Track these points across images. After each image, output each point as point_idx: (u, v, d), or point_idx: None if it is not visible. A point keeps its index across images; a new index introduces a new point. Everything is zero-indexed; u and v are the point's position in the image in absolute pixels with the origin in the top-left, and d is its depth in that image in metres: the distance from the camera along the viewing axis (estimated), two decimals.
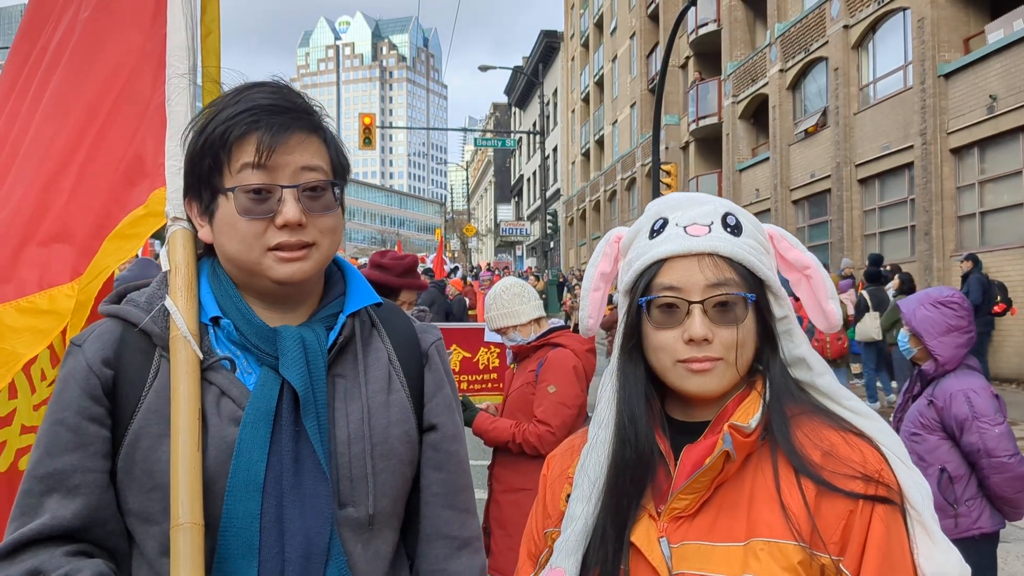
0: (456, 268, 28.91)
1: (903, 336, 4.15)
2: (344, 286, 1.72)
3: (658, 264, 1.52)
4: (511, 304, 4.43)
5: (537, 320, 4.45)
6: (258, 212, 1.52)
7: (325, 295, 1.69)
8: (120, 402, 1.53)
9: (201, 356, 1.55)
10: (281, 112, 1.54)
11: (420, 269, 18.29)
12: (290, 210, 1.51)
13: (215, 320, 1.59)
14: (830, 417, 1.53)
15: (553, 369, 4.23)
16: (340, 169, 1.64)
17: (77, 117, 2.04)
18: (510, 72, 62.77)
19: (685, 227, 1.54)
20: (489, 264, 58.56)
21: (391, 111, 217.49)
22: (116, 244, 1.94)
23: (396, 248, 22.43)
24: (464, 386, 11.63)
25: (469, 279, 30.64)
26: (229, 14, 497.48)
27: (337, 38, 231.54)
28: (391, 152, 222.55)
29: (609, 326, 14.83)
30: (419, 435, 1.71)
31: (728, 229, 1.54)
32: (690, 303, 1.48)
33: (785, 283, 1.65)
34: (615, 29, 44.28)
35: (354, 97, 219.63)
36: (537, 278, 26.18)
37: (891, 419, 4.34)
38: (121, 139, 1.97)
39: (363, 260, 17.60)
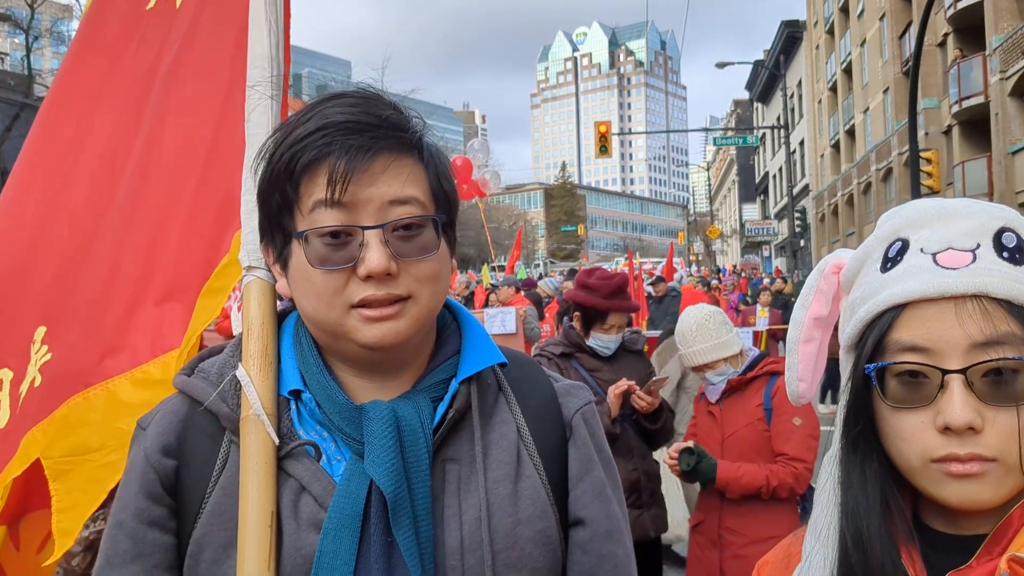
0: (682, 276, 27.91)
1: None
2: (460, 343, 1.33)
3: (894, 311, 1.02)
4: (720, 334, 3.93)
5: (741, 350, 3.99)
6: (335, 261, 1.17)
7: (434, 356, 1.31)
8: (183, 501, 1.24)
9: (277, 440, 1.22)
10: (361, 130, 1.18)
11: (649, 281, 17.69)
12: (375, 257, 1.16)
13: (296, 394, 1.27)
14: None
15: None
16: (443, 198, 1.26)
17: (176, 150, 1.79)
18: (750, 67, 60.67)
19: (935, 254, 1.02)
20: (735, 266, 56.73)
21: (630, 117, 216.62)
22: (205, 302, 1.66)
23: (627, 257, 21.94)
24: None
25: (713, 281, 29.62)
26: (470, 37, 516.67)
27: (575, 50, 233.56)
28: (631, 158, 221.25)
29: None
30: (562, 533, 1.30)
31: (1005, 254, 1.01)
32: (945, 373, 0.97)
33: None
34: (862, 11, 41.60)
35: (593, 107, 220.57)
36: (784, 280, 24.75)
37: None
38: (222, 175, 1.69)
39: (550, 281, 17.14)
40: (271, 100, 1.54)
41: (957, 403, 0.96)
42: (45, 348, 1.83)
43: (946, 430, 0.97)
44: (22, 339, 1.88)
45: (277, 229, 1.25)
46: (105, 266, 1.83)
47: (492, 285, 16.43)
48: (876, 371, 1.03)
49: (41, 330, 1.86)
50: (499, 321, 9.64)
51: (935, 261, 1.02)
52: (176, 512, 1.24)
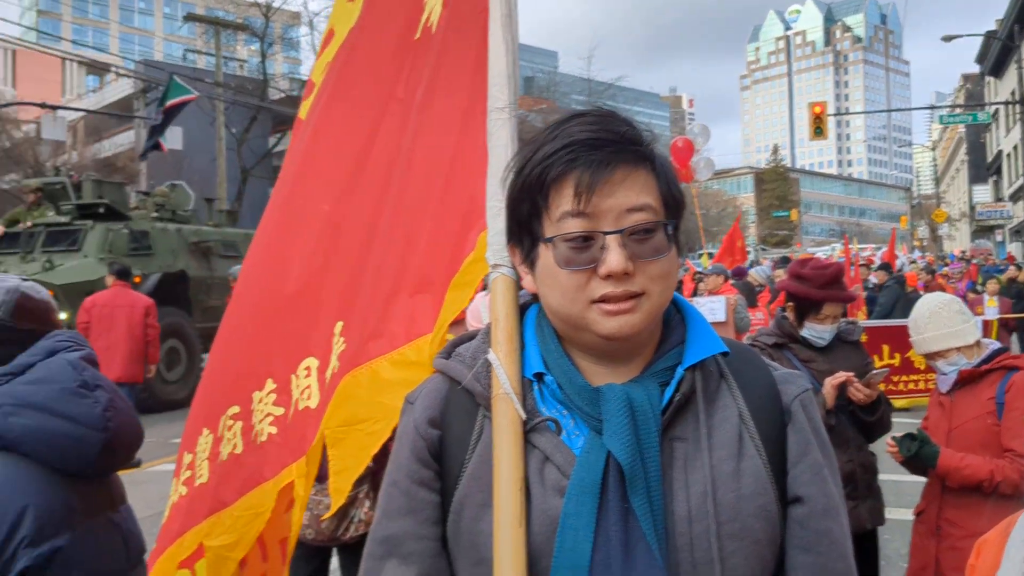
0: (903, 263, 26.42)
1: None
2: (684, 333, 1.47)
3: None
4: (954, 323, 3.84)
5: (978, 341, 3.86)
6: (579, 262, 1.35)
7: (661, 345, 1.46)
8: (446, 465, 1.45)
9: (524, 416, 1.41)
10: (601, 146, 1.35)
11: (873, 268, 16.94)
12: (614, 259, 1.32)
13: (539, 376, 1.45)
14: None
15: None
16: (672, 204, 1.41)
17: (425, 161, 2.04)
18: (981, 38, 56.52)
19: None
20: (964, 252, 53.10)
21: (846, 96, 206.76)
22: (454, 294, 1.89)
23: (843, 244, 21.07)
24: (900, 387, 10.57)
25: (939, 270, 27.95)
26: (677, 21, 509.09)
27: (787, 28, 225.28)
28: (847, 139, 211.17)
29: None
30: (781, 509, 1.41)
31: None
32: None
33: None
34: None
35: (806, 87, 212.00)
36: (1019, 267, 22.97)
37: None
38: (465, 181, 1.92)
39: (762, 269, 16.47)
40: (510, 118, 1.76)
41: None
42: (343, 340, 2.14)
43: None
44: (326, 333, 2.20)
45: (526, 233, 1.43)
46: (375, 264, 2.11)
47: (699, 274, 16.31)
48: None
49: (339, 324, 2.17)
50: (708, 309, 9.62)
51: None
52: (440, 475, 1.45)
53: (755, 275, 15.08)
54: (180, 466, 2.63)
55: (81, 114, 41.72)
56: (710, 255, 21.05)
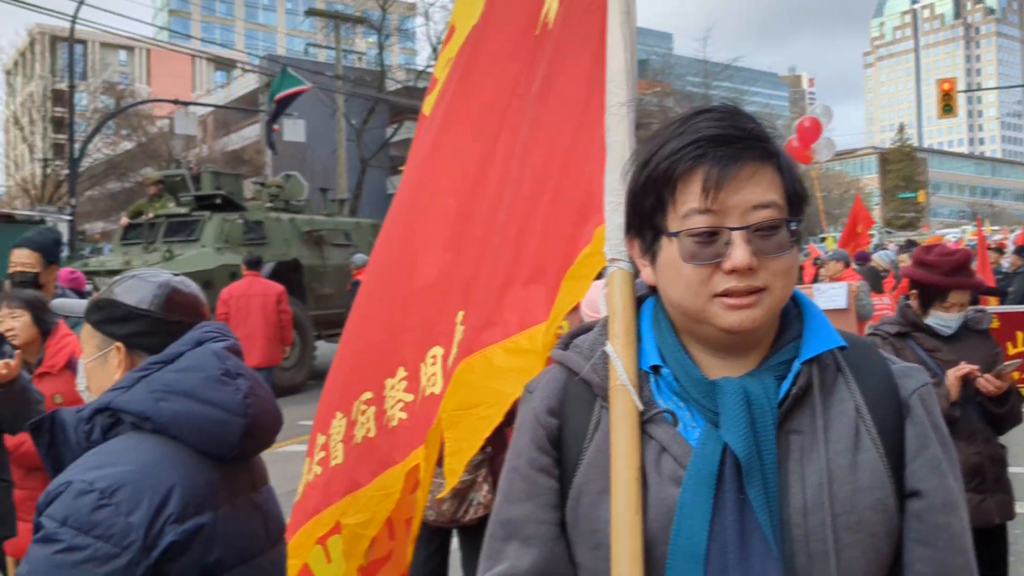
0: None
1: None
2: (801, 327, 1.48)
3: None
4: None
5: None
6: (704, 257, 1.36)
7: (778, 338, 1.47)
8: (565, 453, 1.50)
9: (641, 407, 1.45)
10: (729, 142, 1.36)
11: (1010, 251, 16.09)
12: (739, 254, 1.34)
13: (656, 368, 1.48)
14: None
15: None
16: (796, 201, 1.42)
17: (541, 155, 2.09)
18: None
19: None
20: None
21: (978, 71, 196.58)
22: (569, 285, 1.93)
23: (976, 226, 20.06)
24: None
25: None
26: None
27: (914, 2, 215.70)
28: (979, 116, 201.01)
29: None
30: (898, 503, 1.41)
31: None
32: None
33: None
34: None
35: (934, 63, 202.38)
36: None
37: None
38: (580, 175, 1.96)
39: (886, 253, 15.62)
40: (628, 114, 1.79)
41: None
42: (462, 328, 2.22)
43: None
44: (449, 321, 2.30)
45: (647, 226, 1.45)
46: (493, 255, 2.18)
47: (818, 259, 15.88)
48: None
49: (460, 314, 2.26)
50: (829, 296, 9.39)
51: None
52: (559, 462, 1.50)
53: (879, 259, 14.58)
54: (314, 447, 2.77)
55: (210, 109, 43.51)
56: (834, 239, 20.40)
